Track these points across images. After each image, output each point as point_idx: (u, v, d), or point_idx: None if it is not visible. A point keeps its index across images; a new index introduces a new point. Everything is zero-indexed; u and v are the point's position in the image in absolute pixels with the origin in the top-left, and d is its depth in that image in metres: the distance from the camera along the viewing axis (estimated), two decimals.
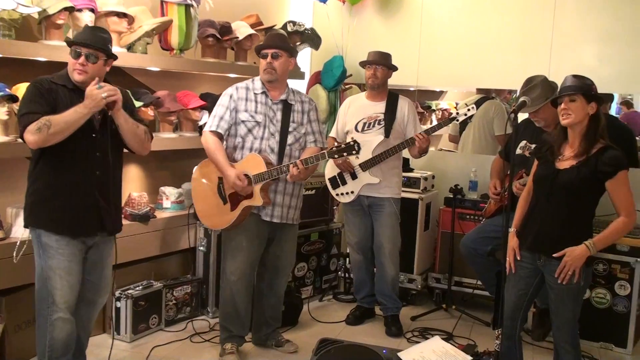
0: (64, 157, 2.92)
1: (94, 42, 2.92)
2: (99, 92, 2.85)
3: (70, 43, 2.96)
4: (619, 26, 4.60)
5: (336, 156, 3.56)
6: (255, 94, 3.70)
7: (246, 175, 3.56)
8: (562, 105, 3.00)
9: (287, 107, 3.73)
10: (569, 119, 2.98)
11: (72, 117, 2.83)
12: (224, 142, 3.71)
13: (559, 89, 3.10)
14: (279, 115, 3.70)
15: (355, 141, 3.51)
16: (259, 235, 3.73)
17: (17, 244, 3.29)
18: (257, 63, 3.82)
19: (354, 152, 3.51)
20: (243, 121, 3.65)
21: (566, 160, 3.04)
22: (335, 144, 3.88)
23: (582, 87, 2.97)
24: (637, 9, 4.54)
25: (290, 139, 3.70)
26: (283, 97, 3.72)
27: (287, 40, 3.89)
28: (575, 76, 3.04)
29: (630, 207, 2.97)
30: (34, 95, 2.87)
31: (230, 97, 3.68)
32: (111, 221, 3.10)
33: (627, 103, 5.98)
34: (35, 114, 2.80)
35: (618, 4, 4.61)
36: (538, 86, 3.78)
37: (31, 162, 3.01)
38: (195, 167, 3.83)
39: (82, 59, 2.90)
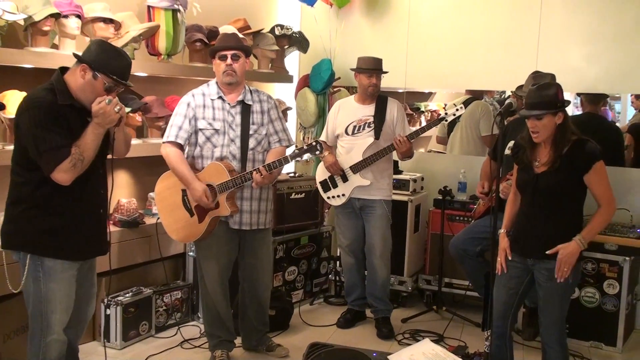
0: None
1: (127, 78, 2.81)
2: (111, 108, 2.67)
3: (109, 76, 2.72)
4: (606, 26, 4.63)
5: (299, 159, 3.51)
6: (211, 99, 3.61)
7: (210, 185, 3.50)
8: (530, 124, 2.99)
9: (245, 109, 3.62)
10: (539, 137, 2.98)
11: (94, 141, 2.68)
12: (184, 151, 3.63)
13: (523, 100, 3.03)
14: (238, 119, 3.60)
15: (317, 141, 3.48)
16: (228, 242, 3.67)
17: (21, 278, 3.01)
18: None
19: (317, 152, 3.48)
20: (201, 129, 3.56)
21: (543, 164, 3.04)
22: (297, 146, 3.80)
23: (549, 104, 2.92)
24: (623, 9, 4.58)
25: (252, 143, 3.61)
26: (240, 98, 3.62)
27: (241, 40, 3.75)
28: (539, 88, 2.97)
29: (608, 196, 3.01)
30: (50, 124, 2.62)
31: (188, 105, 3.59)
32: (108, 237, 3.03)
33: None
34: (62, 148, 2.61)
35: (604, 4, 4.64)
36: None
37: (25, 185, 2.75)
38: (157, 181, 3.72)
39: (114, 94, 2.77)
